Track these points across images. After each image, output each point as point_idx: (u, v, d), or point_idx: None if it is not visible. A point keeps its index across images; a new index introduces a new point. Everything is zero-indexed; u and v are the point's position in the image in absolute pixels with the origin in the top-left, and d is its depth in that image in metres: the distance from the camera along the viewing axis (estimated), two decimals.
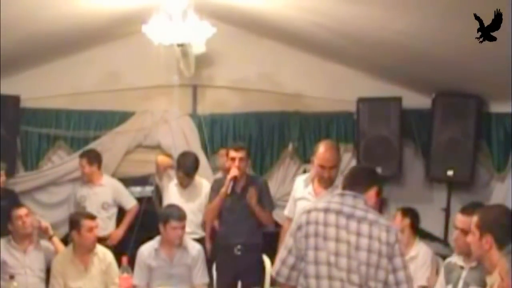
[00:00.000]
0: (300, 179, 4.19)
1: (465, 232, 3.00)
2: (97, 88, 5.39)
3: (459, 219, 3.03)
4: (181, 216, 4.03)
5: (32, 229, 4.18)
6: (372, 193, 2.65)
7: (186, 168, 4.76)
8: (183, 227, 4.04)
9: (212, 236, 4.85)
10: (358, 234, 2.50)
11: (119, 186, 5.18)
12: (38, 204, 5.32)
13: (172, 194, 4.87)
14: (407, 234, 4.25)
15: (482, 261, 2.64)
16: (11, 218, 4.13)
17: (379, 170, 5.01)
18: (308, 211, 2.64)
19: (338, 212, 2.55)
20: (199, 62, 5.11)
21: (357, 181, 2.67)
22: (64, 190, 5.40)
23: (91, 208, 4.85)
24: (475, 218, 2.60)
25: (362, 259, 2.48)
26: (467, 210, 3.02)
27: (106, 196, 5.05)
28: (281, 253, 2.72)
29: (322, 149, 3.91)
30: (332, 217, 2.55)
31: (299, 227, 2.63)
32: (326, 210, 2.58)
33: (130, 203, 5.17)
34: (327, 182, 3.96)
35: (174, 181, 4.91)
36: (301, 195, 4.07)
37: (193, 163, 4.81)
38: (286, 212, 4.27)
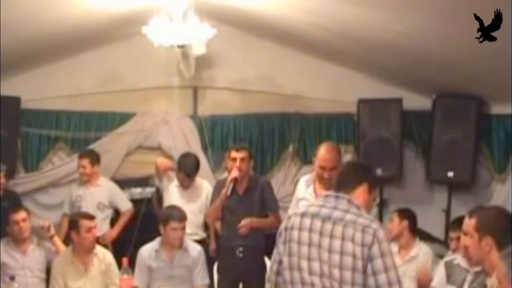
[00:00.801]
0: (302, 180, 4.20)
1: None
2: (97, 89, 5.38)
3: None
4: (181, 217, 4.03)
5: (29, 233, 4.19)
6: (361, 191, 2.51)
7: (187, 169, 4.76)
8: (183, 228, 4.04)
9: (216, 236, 4.85)
10: (331, 236, 2.37)
11: (115, 187, 5.18)
12: (38, 205, 5.31)
13: (173, 195, 4.86)
14: (406, 236, 4.26)
15: (482, 264, 2.63)
16: (8, 221, 4.14)
17: (379, 171, 5.04)
18: (289, 217, 2.59)
19: (314, 216, 2.46)
20: (200, 63, 5.11)
21: (343, 181, 2.54)
22: (65, 192, 5.36)
23: (86, 208, 4.83)
24: (473, 221, 2.59)
25: (334, 262, 2.35)
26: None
27: (102, 196, 5.04)
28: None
29: (322, 150, 3.94)
30: (307, 221, 2.46)
31: (279, 234, 2.60)
32: (303, 215, 2.50)
33: (126, 205, 5.16)
34: (327, 183, 3.96)
35: (175, 182, 4.91)
36: (302, 195, 4.09)
37: (194, 164, 4.81)
38: (290, 212, 4.28)
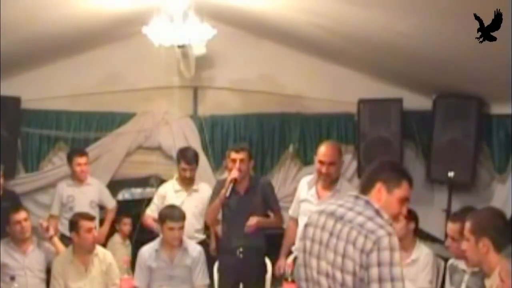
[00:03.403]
0: (304, 181, 4.21)
1: (454, 239, 3.01)
2: (97, 90, 5.39)
3: (448, 227, 3.03)
4: (179, 216, 4.03)
5: (30, 233, 4.19)
6: (376, 191, 2.38)
7: (188, 158, 4.72)
8: (181, 228, 4.03)
9: (216, 236, 4.84)
10: (338, 237, 2.31)
11: (103, 185, 5.20)
12: (38, 205, 5.31)
13: (172, 199, 4.80)
14: (410, 238, 4.22)
15: (480, 266, 2.63)
16: (9, 221, 4.14)
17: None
18: (312, 213, 2.57)
19: (329, 214, 2.41)
20: (200, 63, 5.11)
21: (362, 181, 2.49)
22: None
23: (79, 208, 4.78)
24: (467, 224, 2.59)
25: (337, 264, 2.29)
26: (455, 217, 3.03)
27: (93, 195, 5.04)
28: None
29: (322, 147, 4.00)
30: (322, 219, 2.43)
31: (302, 229, 2.60)
32: (321, 212, 2.48)
33: (112, 203, 5.21)
34: (326, 181, 3.98)
35: (174, 187, 4.85)
36: (304, 197, 4.11)
37: (194, 154, 4.79)
38: (290, 212, 4.30)
